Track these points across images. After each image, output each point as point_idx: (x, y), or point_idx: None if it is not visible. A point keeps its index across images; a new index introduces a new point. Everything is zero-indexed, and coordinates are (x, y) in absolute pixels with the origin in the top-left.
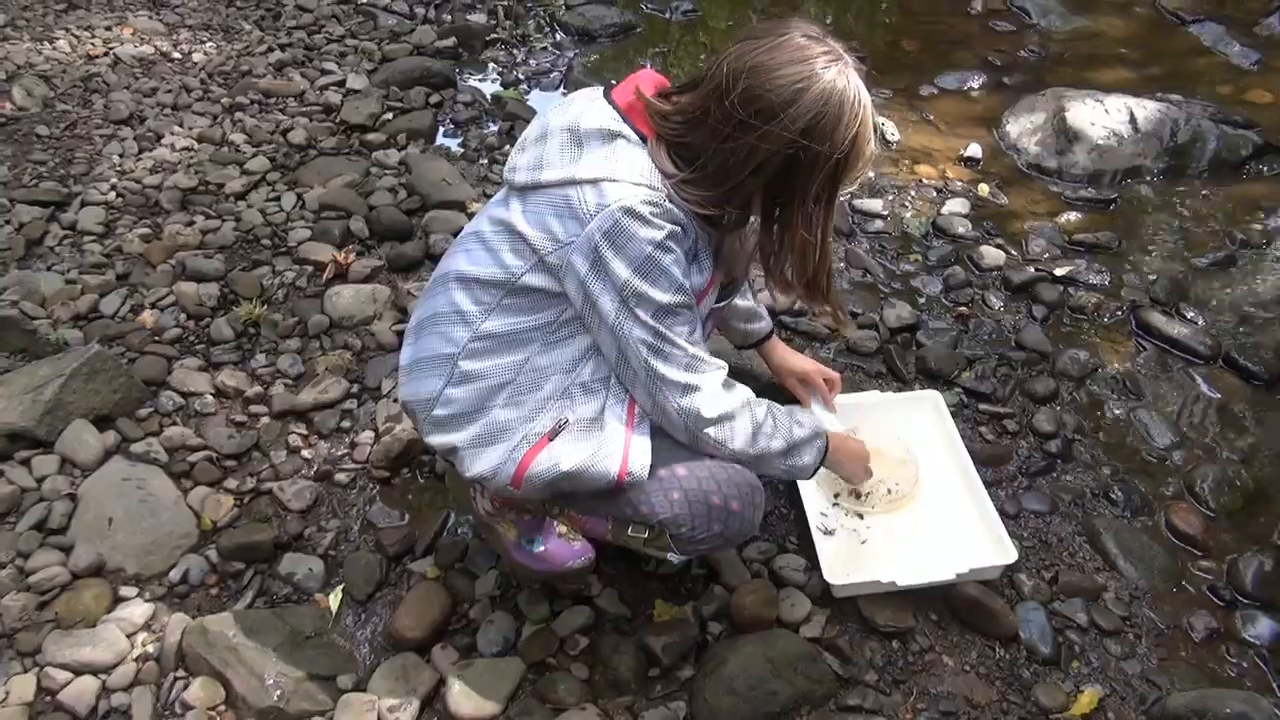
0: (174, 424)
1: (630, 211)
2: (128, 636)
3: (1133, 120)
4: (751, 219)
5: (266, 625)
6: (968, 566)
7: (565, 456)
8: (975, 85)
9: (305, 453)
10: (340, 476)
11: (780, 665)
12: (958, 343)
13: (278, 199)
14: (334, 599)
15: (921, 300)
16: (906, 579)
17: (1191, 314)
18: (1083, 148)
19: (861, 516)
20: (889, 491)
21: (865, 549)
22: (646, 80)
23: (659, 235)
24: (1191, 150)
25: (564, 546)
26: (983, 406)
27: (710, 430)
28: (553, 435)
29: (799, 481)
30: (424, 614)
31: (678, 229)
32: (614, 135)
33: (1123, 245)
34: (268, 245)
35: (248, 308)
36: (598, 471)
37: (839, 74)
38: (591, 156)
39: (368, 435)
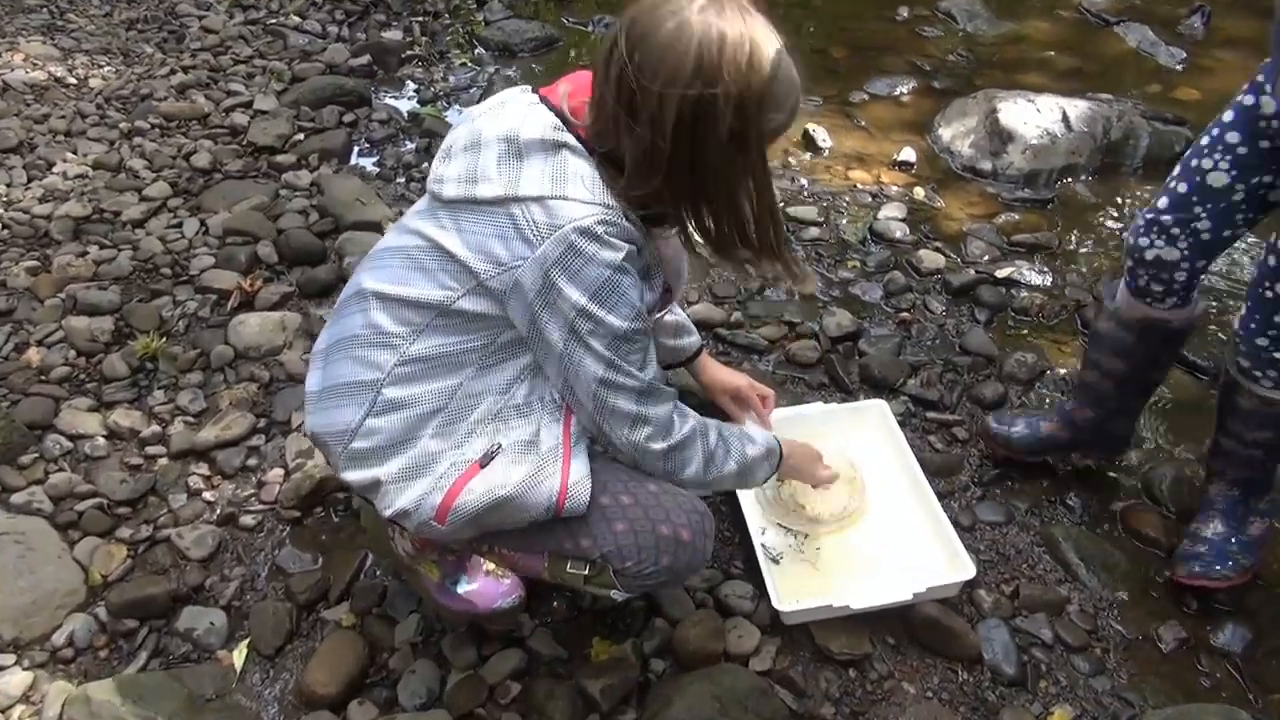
0: (60, 470)
1: (586, 233)
2: (2, 712)
3: (1065, 119)
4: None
5: (161, 689)
6: (925, 585)
7: (498, 484)
8: (905, 90)
9: (207, 495)
10: (246, 519)
11: (729, 704)
12: (901, 349)
13: (179, 225)
14: (238, 655)
15: (862, 308)
16: (861, 602)
17: None
18: (1016, 148)
19: (807, 537)
20: (842, 509)
21: (815, 572)
22: (584, 80)
23: (617, 257)
24: (1125, 148)
25: (492, 585)
26: (930, 414)
27: (660, 463)
28: (484, 462)
29: (743, 504)
30: (338, 667)
31: (633, 248)
32: (557, 146)
33: (1062, 245)
34: (168, 274)
35: (144, 341)
36: (534, 499)
37: (713, 13)
38: (535, 171)
39: (276, 473)
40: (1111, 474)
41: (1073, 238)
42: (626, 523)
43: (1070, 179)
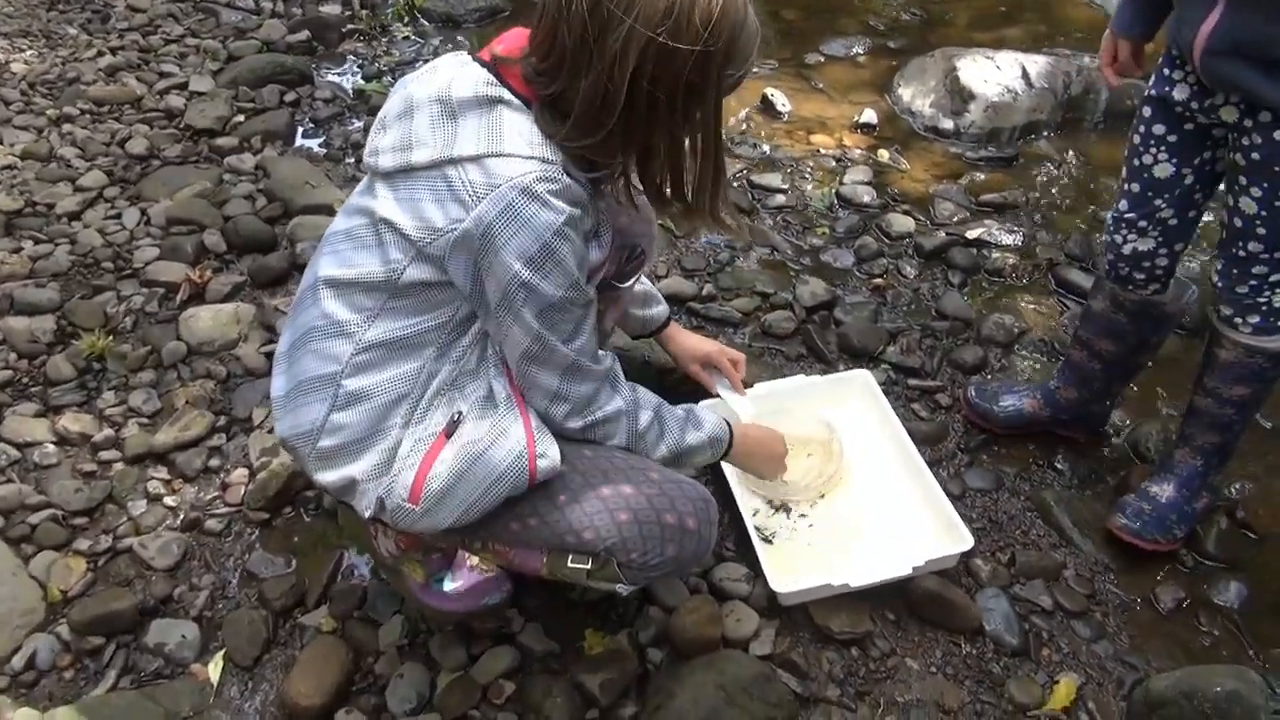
0: (9, 481)
1: (526, 192)
2: None
3: (1025, 76)
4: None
5: (134, 709)
6: (923, 558)
7: (466, 444)
8: (861, 51)
9: (169, 500)
10: (212, 524)
11: (734, 692)
12: (878, 316)
13: (118, 216)
14: (214, 668)
15: (834, 275)
16: (860, 579)
17: None
18: (978, 106)
19: (789, 511)
20: (817, 474)
21: (810, 550)
22: (517, 37)
23: (558, 220)
24: (1085, 102)
25: (478, 581)
26: (912, 382)
27: (578, 435)
28: (450, 431)
29: (731, 484)
30: (322, 675)
31: (577, 211)
32: (493, 102)
33: (1030, 203)
34: (110, 269)
35: (90, 340)
36: (500, 454)
37: None
38: (470, 129)
39: (241, 473)
40: (1100, 431)
41: (1040, 195)
42: (629, 513)
43: (1033, 136)
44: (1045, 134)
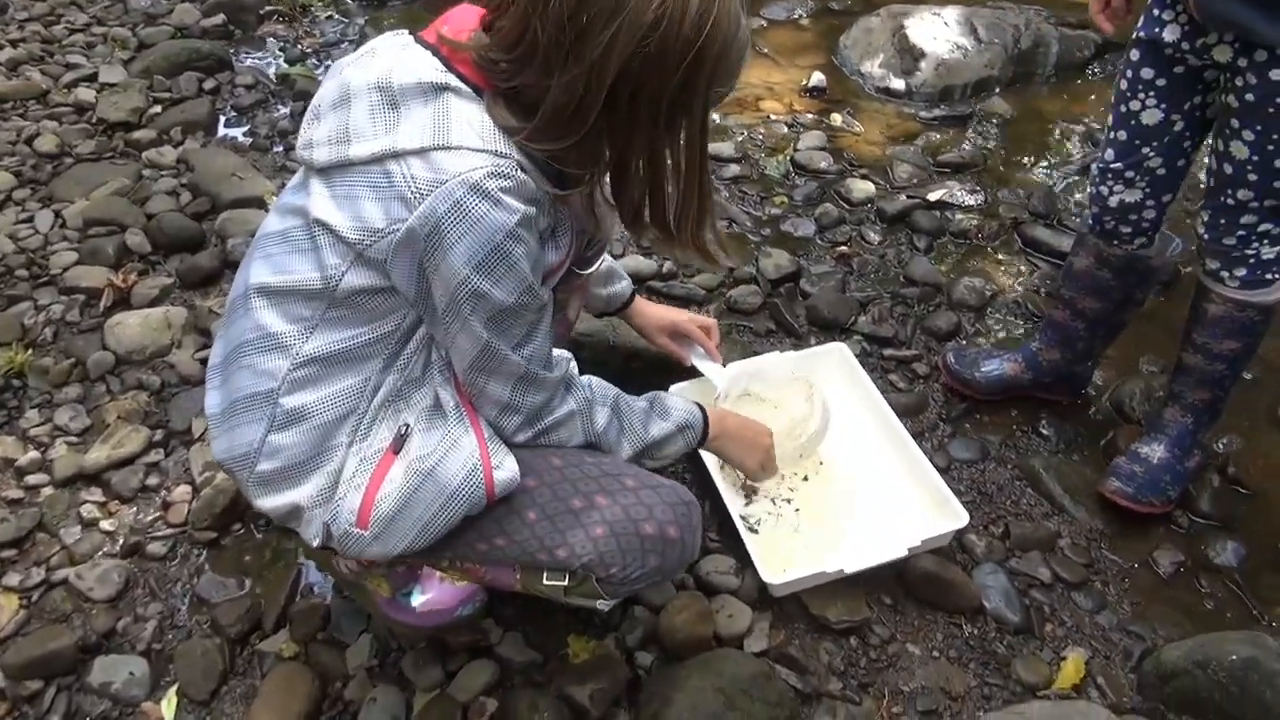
0: None
1: (476, 189)
2: None
3: (974, 31)
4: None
5: None
6: (918, 538)
7: (416, 459)
8: (803, 13)
9: (105, 524)
10: (155, 547)
11: (733, 694)
12: (845, 286)
13: (30, 219)
14: (168, 706)
15: (797, 245)
16: (854, 564)
17: (1075, 223)
18: (929, 64)
19: (754, 494)
20: (797, 436)
21: (799, 537)
22: (465, 16)
23: (510, 221)
24: (1036, 56)
25: (449, 592)
26: (887, 352)
27: (528, 444)
28: (398, 447)
29: (711, 472)
30: (287, 705)
31: (531, 210)
32: (439, 89)
33: (988, 161)
34: (24, 276)
35: (7, 355)
36: (452, 467)
37: None
38: (414, 119)
39: (183, 490)
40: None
41: (997, 153)
42: (605, 526)
43: (985, 93)
44: (997, 90)
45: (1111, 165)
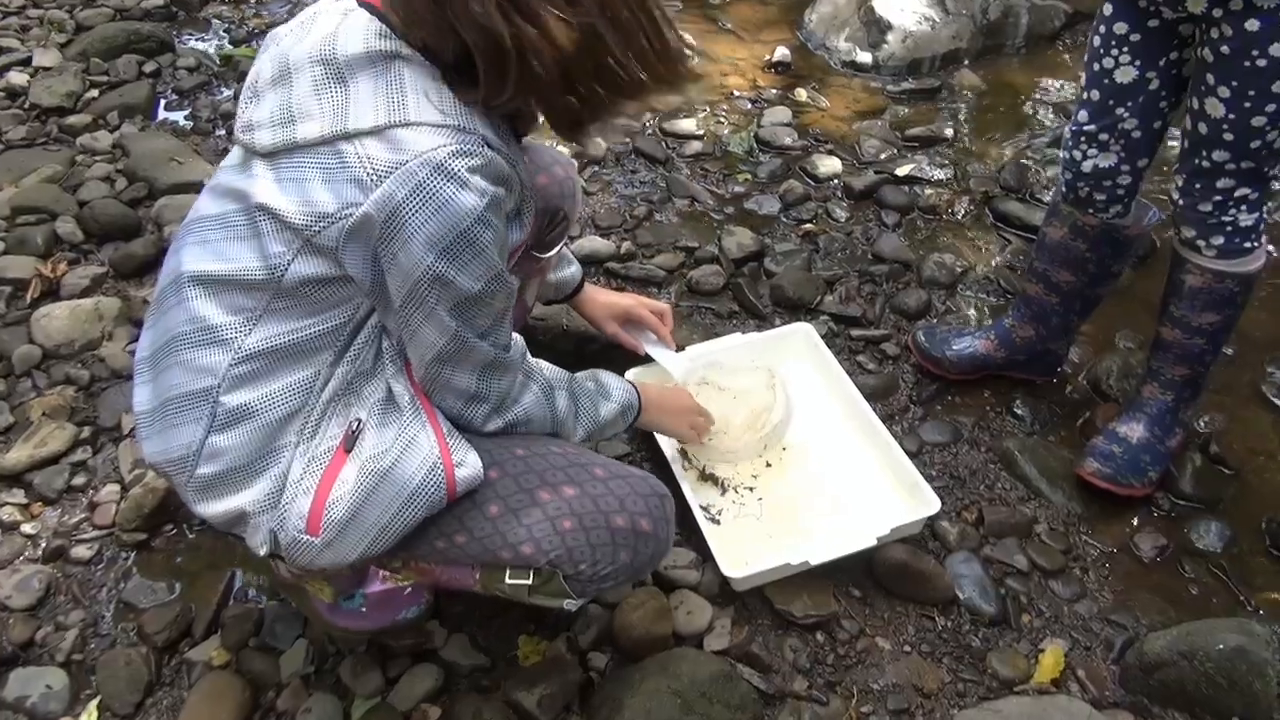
0: None
1: (441, 170)
2: None
3: (942, 2)
4: None
5: None
6: (888, 526)
7: (371, 457)
8: None
9: (27, 528)
10: (80, 551)
11: (691, 697)
12: (811, 264)
13: None
14: None
15: (761, 223)
16: (820, 555)
17: (1047, 197)
18: (896, 37)
19: (718, 481)
20: (758, 427)
21: (762, 528)
22: None
23: (479, 205)
24: (1005, 27)
25: (392, 594)
26: (855, 332)
27: (493, 435)
28: (349, 445)
29: (670, 461)
30: (215, 717)
31: (501, 191)
32: (388, 57)
33: (958, 135)
34: None
35: None
36: (410, 465)
37: None
38: (365, 94)
39: (111, 490)
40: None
41: (967, 126)
42: (574, 519)
43: (954, 65)
44: (966, 62)
45: (1085, 127)
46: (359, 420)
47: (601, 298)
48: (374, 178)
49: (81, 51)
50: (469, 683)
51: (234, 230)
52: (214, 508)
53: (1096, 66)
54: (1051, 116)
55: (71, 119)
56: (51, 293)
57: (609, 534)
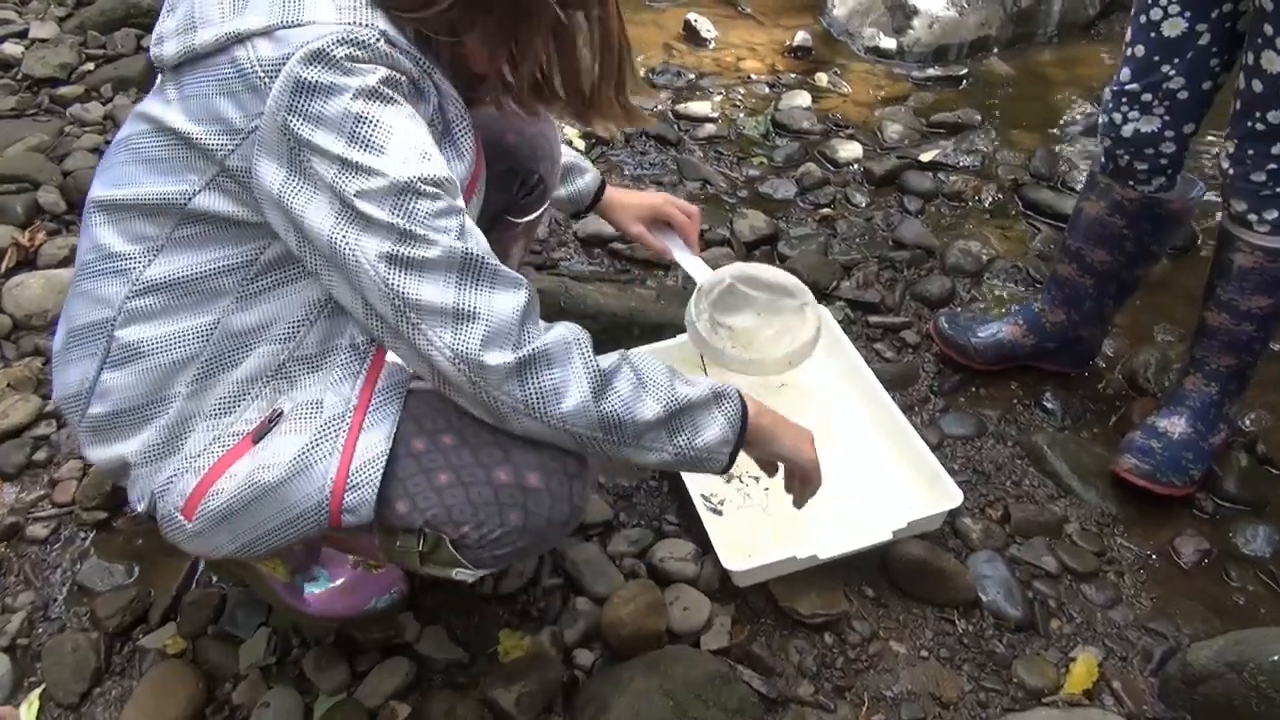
0: None
1: (317, 58)
2: None
3: None
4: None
5: None
6: (905, 520)
7: (265, 465)
8: None
9: None
10: (36, 529)
11: (684, 699)
12: (828, 249)
13: None
14: (28, 711)
15: (776, 207)
16: (830, 549)
17: (1079, 184)
18: (922, 23)
19: (757, 479)
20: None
21: (768, 519)
22: None
23: (368, 81)
24: (1037, 15)
25: (363, 578)
26: (873, 319)
27: (514, 388)
28: (259, 435)
29: None
30: (161, 710)
31: (397, 74)
32: None
33: (986, 122)
34: None
35: None
36: (300, 488)
37: None
38: None
39: (73, 466)
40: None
41: (996, 114)
42: (451, 472)
43: (982, 54)
44: (995, 50)
45: (1126, 87)
46: (281, 412)
47: (627, 199)
48: (266, 81)
49: (79, 25)
50: (444, 679)
51: (138, 152)
52: (101, 453)
53: (1143, 19)
54: (1086, 109)
55: (63, 90)
56: (28, 262)
57: (491, 491)
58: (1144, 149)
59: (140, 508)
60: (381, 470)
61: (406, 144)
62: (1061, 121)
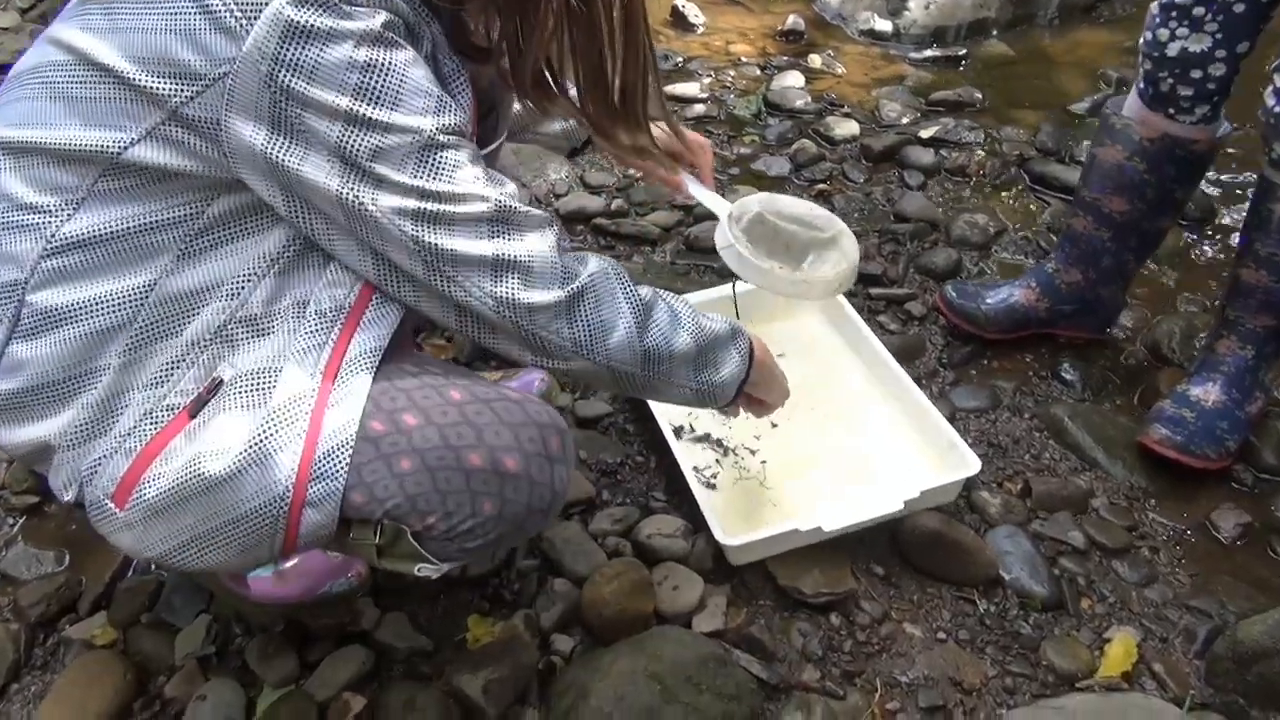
0: None
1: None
2: None
3: None
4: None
5: None
6: (917, 489)
7: (208, 451)
8: None
9: None
10: None
11: (674, 683)
12: None
13: None
14: None
15: (770, 183)
16: (835, 521)
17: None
18: (918, 4)
19: (753, 453)
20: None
21: (765, 492)
22: None
23: (374, 23)
24: None
25: (316, 561)
26: (875, 291)
27: (562, 326)
28: (196, 408)
29: (655, 414)
30: (83, 705)
31: (394, 18)
32: None
33: (988, 101)
34: None
35: None
36: (254, 482)
37: None
38: None
39: None
40: (1108, 331)
41: (997, 94)
42: (415, 457)
43: (980, 36)
44: (994, 32)
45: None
46: (221, 380)
47: None
48: (242, 23)
49: (42, 14)
50: (405, 669)
51: (54, 89)
52: (14, 435)
53: None
54: (1091, 82)
55: None
56: None
57: (462, 476)
58: (1190, 71)
59: (68, 497)
60: (350, 455)
61: (419, 92)
62: (1064, 101)
